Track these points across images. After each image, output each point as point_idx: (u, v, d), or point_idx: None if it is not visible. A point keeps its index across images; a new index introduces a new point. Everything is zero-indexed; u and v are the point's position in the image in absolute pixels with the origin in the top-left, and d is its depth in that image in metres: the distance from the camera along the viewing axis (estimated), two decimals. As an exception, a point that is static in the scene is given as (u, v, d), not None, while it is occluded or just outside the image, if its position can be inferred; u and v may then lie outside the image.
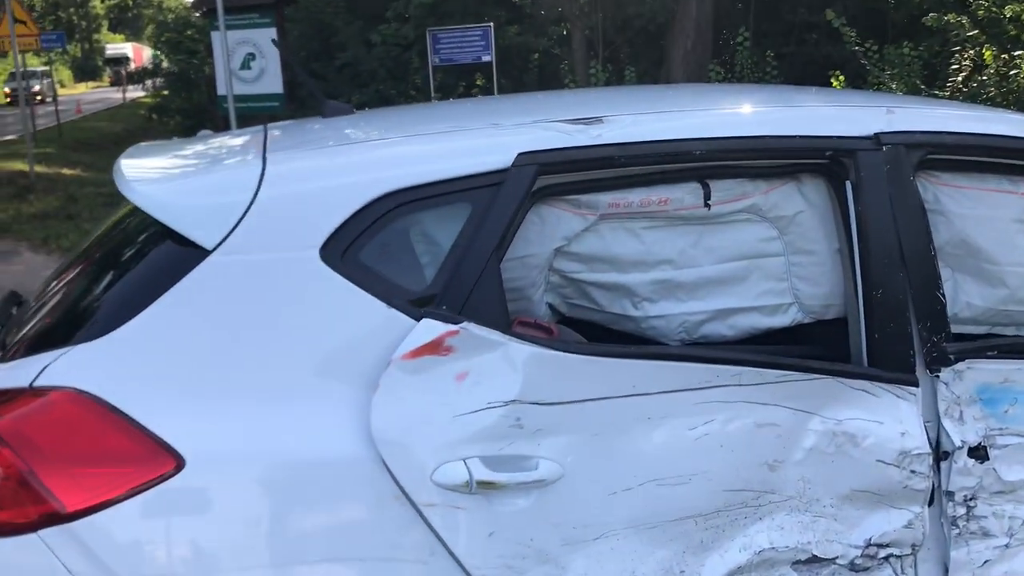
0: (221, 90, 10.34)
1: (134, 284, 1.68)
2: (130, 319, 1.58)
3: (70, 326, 1.70)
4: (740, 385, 1.76)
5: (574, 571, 1.65)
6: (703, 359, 1.75)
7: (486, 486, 1.57)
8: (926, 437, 1.84)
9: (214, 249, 1.61)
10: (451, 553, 1.56)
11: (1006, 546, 1.92)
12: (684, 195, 1.86)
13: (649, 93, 2.52)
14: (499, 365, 1.61)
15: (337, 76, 14.93)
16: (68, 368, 1.55)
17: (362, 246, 1.64)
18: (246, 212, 1.63)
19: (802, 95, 2.23)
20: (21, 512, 1.48)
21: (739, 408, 1.76)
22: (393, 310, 1.60)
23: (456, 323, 1.59)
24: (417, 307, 1.62)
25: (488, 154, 1.71)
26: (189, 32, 18.29)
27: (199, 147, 2.09)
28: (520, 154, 1.71)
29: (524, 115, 1.91)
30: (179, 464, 1.51)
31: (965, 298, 2.04)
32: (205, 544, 1.53)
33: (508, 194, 1.68)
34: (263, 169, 1.69)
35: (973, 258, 2.00)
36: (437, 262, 1.67)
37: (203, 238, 1.61)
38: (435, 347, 1.58)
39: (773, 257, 1.96)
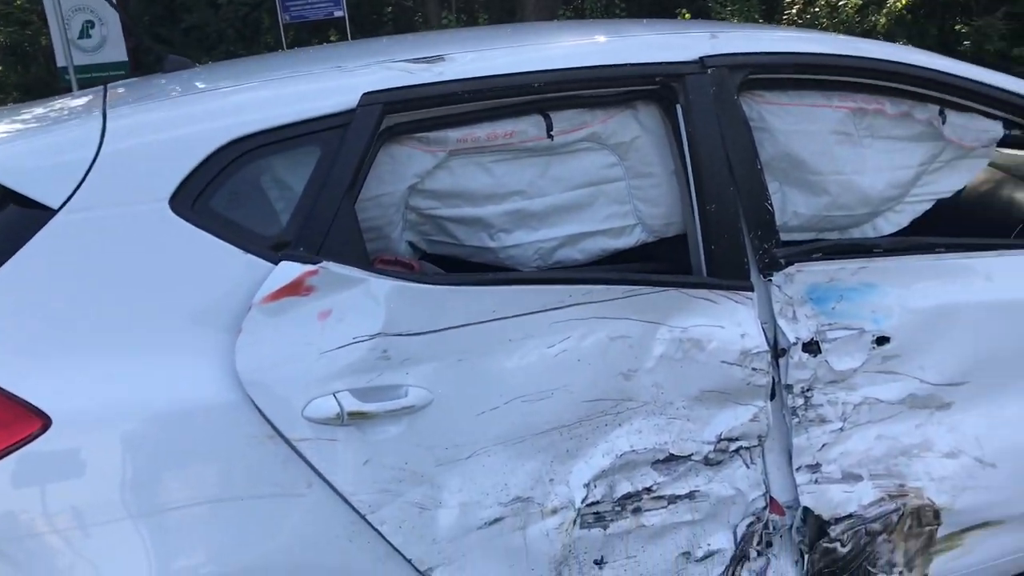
0: (60, 61, 9.79)
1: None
2: None
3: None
4: (592, 302, 1.87)
5: (449, 489, 1.74)
6: (556, 280, 1.85)
7: (358, 416, 1.63)
8: (764, 337, 1.99)
9: (60, 208, 1.59)
10: (328, 484, 1.62)
11: (841, 429, 2.10)
12: (528, 127, 1.94)
13: (490, 32, 2.58)
14: (361, 301, 1.66)
15: (184, 40, 14.31)
16: None
17: (212, 195, 1.66)
18: (90, 168, 1.62)
19: (634, 26, 2.33)
20: None
21: (593, 324, 1.87)
22: (250, 256, 1.63)
23: (315, 263, 1.63)
24: (275, 251, 1.65)
25: (333, 96, 1.74)
26: (18, 1, 17.16)
27: (35, 111, 2.04)
28: (365, 94, 1.75)
29: (367, 57, 1.94)
30: (45, 424, 1.51)
31: (792, 208, 2.21)
32: (79, 501, 1.54)
33: (356, 134, 1.72)
34: (104, 124, 1.67)
35: (797, 170, 2.16)
36: (291, 206, 1.70)
37: (47, 198, 1.60)
38: (295, 288, 1.62)
39: (615, 182, 2.07)
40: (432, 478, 1.72)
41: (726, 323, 1.97)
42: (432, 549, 1.71)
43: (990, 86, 2.19)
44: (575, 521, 1.87)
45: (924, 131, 2.22)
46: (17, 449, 1.50)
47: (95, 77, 10.15)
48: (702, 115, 1.96)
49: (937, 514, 2.16)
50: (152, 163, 1.64)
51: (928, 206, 2.32)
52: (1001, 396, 2.21)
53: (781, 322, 2.02)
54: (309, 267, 1.63)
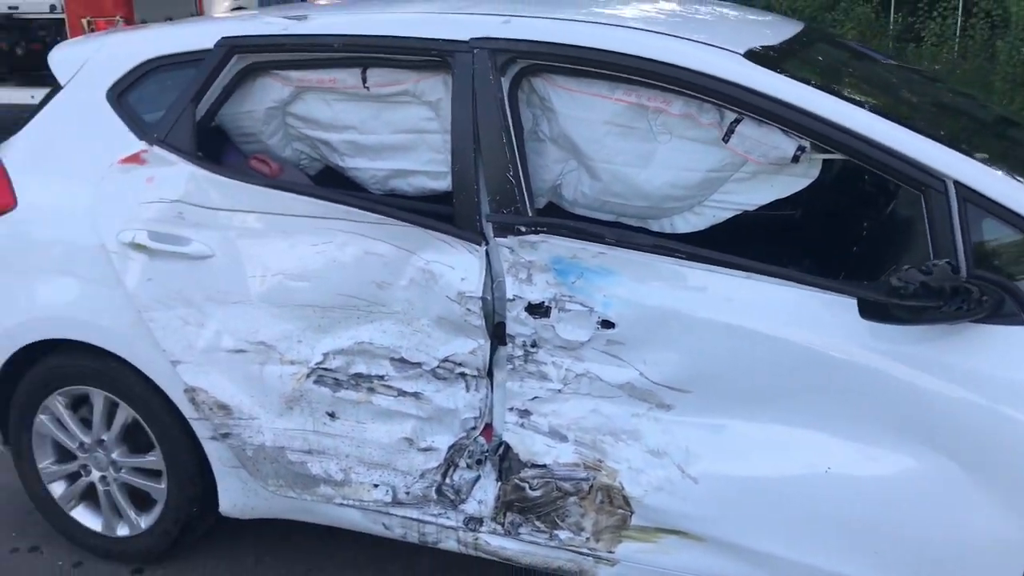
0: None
1: (34, 111, 2.82)
2: (28, 125, 2.75)
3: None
4: (350, 221, 2.41)
5: (211, 316, 2.49)
6: (322, 196, 2.43)
7: (140, 248, 2.48)
8: (482, 285, 2.30)
9: (66, 84, 2.69)
10: (124, 284, 2.52)
11: (559, 391, 2.32)
12: (346, 77, 2.48)
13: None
14: (173, 175, 2.48)
15: None
16: (6, 154, 2.77)
17: (129, 92, 2.60)
18: (84, 63, 2.68)
19: (473, 1, 2.61)
20: None
21: (351, 237, 2.41)
22: (126, 130, 2.55)
23: (148, 143, 2.50)
24: (144, 134, 2.55)
25: (203, 38, 2.53)
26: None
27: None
28: (222, 38, 2.50)
29: (262, 9, 2.65)
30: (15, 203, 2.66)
31: (581, 187, 2.38)
32: None
33: (207, 65, 2.50)
34: (106, 40, 2.71)
35: (576, 152, 2.33)
36: (167, 107, 2.56)
37: (60, 78, 2.71)
38: (135, 158, 2.51)
39: (433, 133, 2.49)
40: (199, 306, 2.50)
41: (456, 265, 2.33)
42: (183, 350, 2.51)
43: (784, 103, 2.06)
44: (307, 375, 2.49)
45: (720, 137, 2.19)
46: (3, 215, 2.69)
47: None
48: (462, 87, 2.30)
49: (627, 501, 2.27)
50: (107, 66, 2.64)
51: (729, 215, 2.27)
52: (721, 419, 2.18)
53: (508, 279, 2.30)
54: (142, 145, 2.50)
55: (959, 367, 1.95)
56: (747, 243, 2.30)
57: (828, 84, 2.17)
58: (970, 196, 1.96)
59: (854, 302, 1.98)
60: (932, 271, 1.84)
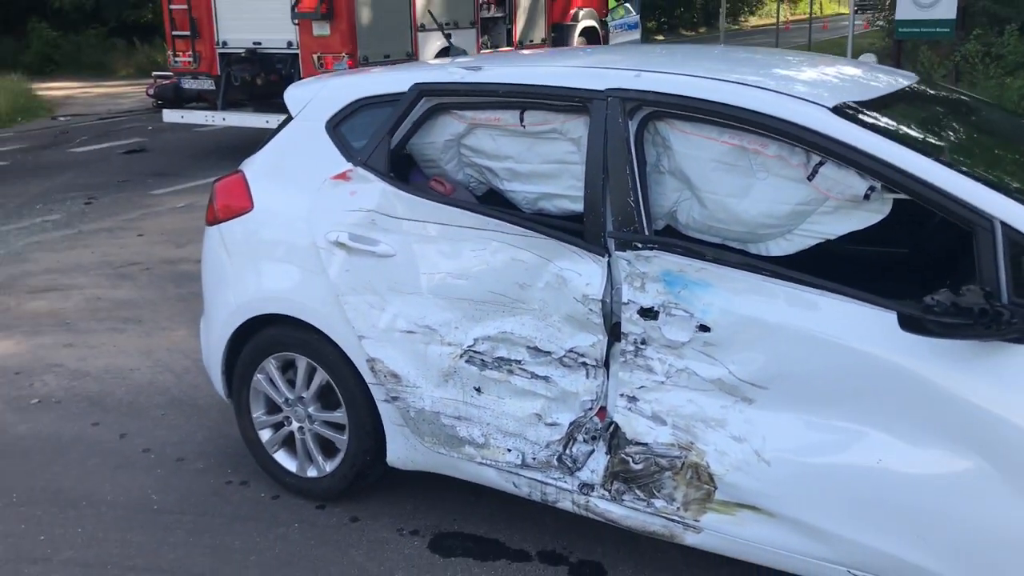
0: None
1: (270, 135, 3.59)
2: (265, 145, 3.53)
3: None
4: (501, 232, 2.99)
5: (390, 303, 3.14)
6: (480, 212, 3.03)
7: (341, 246, 3.17)
8: (602, 289, 2.81)
9: (296, 115, 3.45)
10: (326, 272, 3.21)
11: (662, 383, 2.79)
12: (507, 117, 3.06)
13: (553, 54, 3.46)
14: (370, 190, 3.16)
15: None
16: (247, 168, 3.57)
17: (342, 124, 3.31)
18: (310, 100, 3.42)
19: (623, 57, 3.07)
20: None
21: (501, 245, 2.99)
22: (338, 153, 3.25)
23: (353, 164, 3.18)
24: (352, 158, 3.24)
25: (400, 83, 3.20)
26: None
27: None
28: (414, 83, 3.16)
29: (450, 59, 3.28)
30: (253, 207, 3.43)
31: (692, 213, 2.84)
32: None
33: (401, 105, 3.17)
34: (327, 83, 3.45)
35: (689, 184, 2.79)
36: (369, 137, 3.24)
37: (292, 110, 3.46)
38: (343, 175, 3.20)
39: (574, 164, 3.02)
40: (382, 294, 3.15)
41: (583, 272, 2.86)
42: (368, 328, 3.17)
43: (857, 150, 2.45)
44: (460, 355, 3.09)
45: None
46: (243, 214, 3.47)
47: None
48: (597, 128, 2.83)
49: (711, 478, 2.70)
50: (328, 103, 3.36)
51: (815, 242, 2.66)
52: (793, 413, 2.57)
53: (624, 286, 2.80)
54: (349, 166, 3.19)
55: (997, 380, 2.27)
56: (868, 275, 2.70)
57: (900, 133, 2.54)
58: (1015, 235, 2.28)
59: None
60: (965, 294, 2.18)
